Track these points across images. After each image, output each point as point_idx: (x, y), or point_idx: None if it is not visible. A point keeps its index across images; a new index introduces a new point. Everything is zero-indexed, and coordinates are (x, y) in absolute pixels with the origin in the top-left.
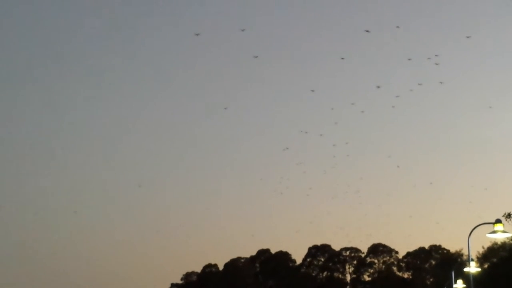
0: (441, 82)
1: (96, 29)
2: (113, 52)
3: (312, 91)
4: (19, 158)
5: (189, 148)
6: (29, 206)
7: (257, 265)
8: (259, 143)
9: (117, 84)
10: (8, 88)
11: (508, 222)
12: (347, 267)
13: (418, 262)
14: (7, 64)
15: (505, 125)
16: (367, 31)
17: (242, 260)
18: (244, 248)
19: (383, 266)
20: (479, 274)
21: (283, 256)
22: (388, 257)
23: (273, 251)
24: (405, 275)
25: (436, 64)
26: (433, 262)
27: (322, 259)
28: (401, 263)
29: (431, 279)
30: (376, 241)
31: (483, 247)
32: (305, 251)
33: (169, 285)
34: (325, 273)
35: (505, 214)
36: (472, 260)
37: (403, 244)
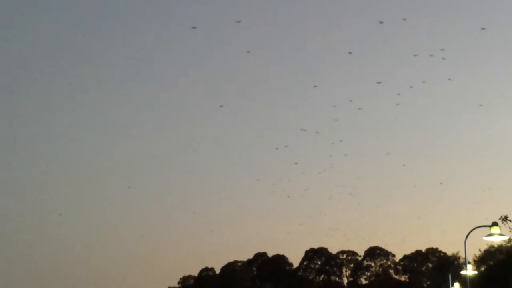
0: (449, 79)
1: (91, 22)
2: (106, 45)
3: (315, 86)
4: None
5: (186, 150)
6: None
7: (254, 268)
8: (255, 142)
9: (111, 82)
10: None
11: (504, 225)
12: (344, 270)
13: (415, 265)
14: (5, 65)
15: (501, 125)
16: (381, 22)
17: (239, 264)
18: (241, 252)
19: (380, 269)
20: (476, 277)
21: (280, 260)
22: (385, 260)
23: (270, 254)
24: (402, 278)
25: (443, 58)
26: (430, 265)
27: (319, 263)
28: (398, 266)
29: (428, 282)
30: (373, 244)
31: (480, 250)
32: (302, 254)
33: None
34: (322, 276)
35: (501, 216)
36: (469, 263)
37: (400, 247)
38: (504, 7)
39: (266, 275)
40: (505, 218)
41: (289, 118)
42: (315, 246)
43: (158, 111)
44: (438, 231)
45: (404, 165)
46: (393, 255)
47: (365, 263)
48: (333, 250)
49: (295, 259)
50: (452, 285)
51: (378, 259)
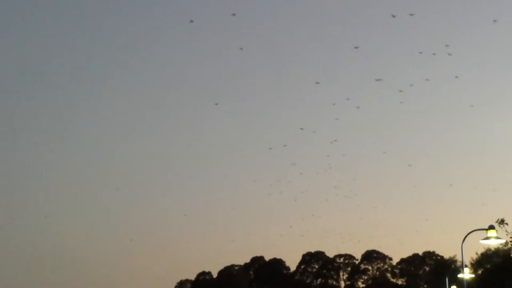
0: (456, 77)
1: (86, 16)
2: (103, 42)
3: (317, 83)
4: None
5: (182, 151)
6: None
7: (251, 272)
8: (252, 142)
9: (106, 79)
10: None
11: (501, 228)
12: (341, 274)
13: (412, 268)
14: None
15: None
16: (393, 16)
17: (236, 268)
18: (238, 256)
19: (377, 273)
20: (473, 280)
21: (277, 263)
22: (382, 264)
23: (267, 258)
24: (399, 282)
25: (449, 54)
26: (427, 269)
27: (316, 266)
28: (395, 270)
29: (425, 286)
30: (370, 247)
31: (476, 253)
32: (299, 258)
33: None
34: (319, 280)
35: (498, 220)
36: (466, 266)
37: (397, 250)
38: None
39: (263, 279)
40: (501, 222)
41: (288, 117)
42: (312, 250)
43: (151, 112)
44: (435, 234)
45: (410, 165)
46: (390, 259)
47: (362, 266)
48: (331, 252)
49: (292, 263)
50: None
51: (375, 263)
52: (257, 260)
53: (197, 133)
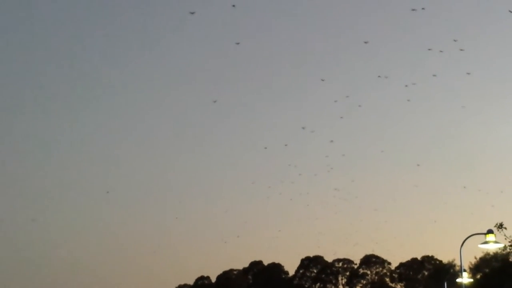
0: (468, 73)
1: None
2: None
3: (322, 80)
4: None
5: (180, 153)
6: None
7: (250, 277)
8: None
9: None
10: None
11: (500, 232)
12: (339, 278)
13: (411, 273)
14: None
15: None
16: (413, 9)
17: (235, 272)
18: (236, 260)
19: (376, 277)
20: (471, 284)
21: (276, 268)
22: (380, 268)
23: (265, 262)
24: (398, 286)
25: (461, 50)
26: (426, 273)
27: (315, 271)
28: (394, 274)
29: None
30: (369, 252)
31: (475, 258)
32: (298, 262)
33: None
34: (318, 284)
35: (497, 224)
36: (465, 270)
37: (396, 254)
38: None
39: (262, 283)
40: (500, 226)
41: (288, 116)
42: (311, 254)
43: (145, 113)
44: (434, 238)
45: (418, 165)
46: (389, 263)
47: (361, 271)
48: (329, 257)
49: (291, 267)
50: None
51: (374, 267)
52: (256, 265)
53: (196, 133)
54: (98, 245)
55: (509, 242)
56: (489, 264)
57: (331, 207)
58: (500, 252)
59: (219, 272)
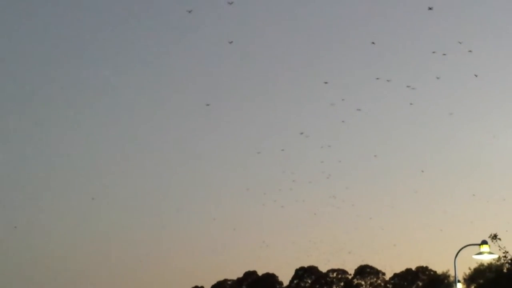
0: (476, 75)
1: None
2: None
3: (326, 83)
4: None
5: (171, 160)
6: None
7: (244, 287)
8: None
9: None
10: None
11: (494, 243)
12: None
13: (405, 283)
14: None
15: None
16: (430, 8)
17: (229, 282)
18: (230, 270)
19: None
20: None
21: (270, 278)
22: (375, 279)
23: (260, 273)
24: None
25: (470, 51)
26: (420, 284)
27: (309, 281)
28: (388, 285)
29: None
30: (364, 261)
31: (469, 269)
32: (292, 273)
33: None
34: None
35: (491, 235)
36: (459, 281)
37: (390, 265)
38: None
39: None
40: (494, 237)
41: (286, 121)
42: (305, 263)
43: (135, 118)
44: (428, 248)
45: (423, 171)
46: (383, 274)
47: (355, 281)
48: (323, 267)
49: (285, 278)
50: None
51: (368, 278)
52: (250, 275)
53: (188, 138)
54: (88, 255)
55: (503, 253)
56: (483, 275)
57: (327, 215)
58: (494, 263)
59: (213, 282)
